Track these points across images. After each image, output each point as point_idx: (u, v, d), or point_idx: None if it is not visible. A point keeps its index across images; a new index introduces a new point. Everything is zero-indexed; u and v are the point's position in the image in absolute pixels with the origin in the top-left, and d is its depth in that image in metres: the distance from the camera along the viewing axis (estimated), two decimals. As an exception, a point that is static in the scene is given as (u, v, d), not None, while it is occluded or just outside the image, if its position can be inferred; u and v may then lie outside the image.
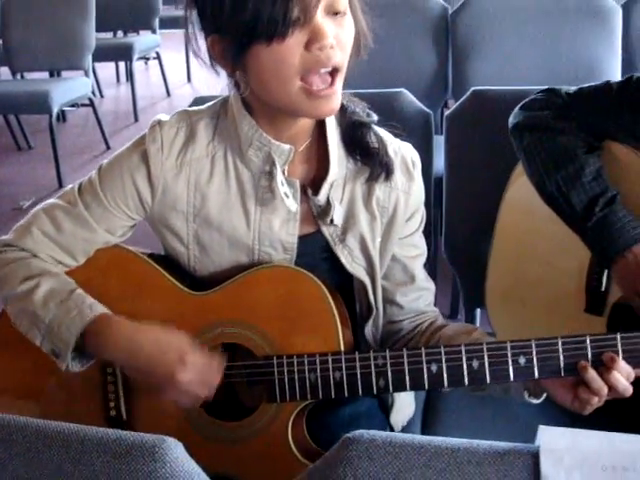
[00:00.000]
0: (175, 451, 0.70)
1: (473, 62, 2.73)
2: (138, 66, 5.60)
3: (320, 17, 0.93)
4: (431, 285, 1.24)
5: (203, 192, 1.09)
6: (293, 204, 1.09)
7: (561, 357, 1.00)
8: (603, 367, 0.98)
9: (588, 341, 1.00)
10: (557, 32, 2.71)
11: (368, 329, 1.18)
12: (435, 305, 1.26)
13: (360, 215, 1.13)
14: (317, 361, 1.04)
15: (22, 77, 4.29)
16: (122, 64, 5.82)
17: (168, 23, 5.38)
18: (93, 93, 4.21)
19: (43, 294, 1.06)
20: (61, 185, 3.84)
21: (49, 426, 0.73)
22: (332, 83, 0.96)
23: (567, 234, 1.31)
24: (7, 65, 4.12)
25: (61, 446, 0.71)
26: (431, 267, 1.62)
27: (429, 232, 1.62)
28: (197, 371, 1.02)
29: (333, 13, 0.95)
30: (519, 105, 1.39)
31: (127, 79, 5.69)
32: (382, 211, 1.14)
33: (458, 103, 1.68)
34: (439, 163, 1.72)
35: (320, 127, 1.10)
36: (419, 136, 1.65)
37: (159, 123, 1.10)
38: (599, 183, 1.27)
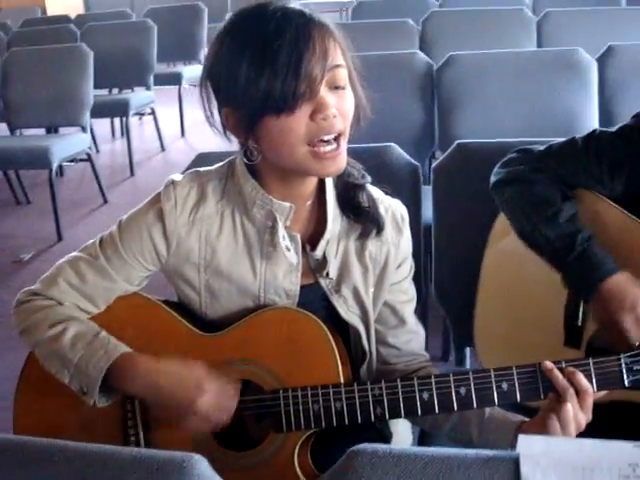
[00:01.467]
0: (201, 465, 0.79)
1: (458, 115, 2.87)
2: (133, 121, 5.76)
3: (323, 91, 1.06)
4: (421, 330, 1.35)
5: (213, 246, 1.20)
6: (294, 257, 1.20)
7: (540, 382, 1.10)
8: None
9: (564, 366, 1.11)
10: (536, 86, 2.86)
11: (363, 372, 1.28)
12: (427, 347, 1.36)
13: (353, 268, 1.24)
14: (319, 393, 1.14)
15: (20, 133, 4.43)
16: (117, 120, 5.97)
17: (162, 80, 5.56)
18: (90, 148, 4.34)
19: (71, 337, 1.17)
20: (60, 238, 3.94)
21: (87, 447, 0.82)
22: (337, 146, 1.09)
23: (547, 275, 1.42)
24: (6, 122, 4.24)
25: (100, 465, 0.80)
26: (422, 311, 1.73)
27: (419, 278, 1.73)
28: (215, 396, 1.12)
29: (334, 87, 1.08)
30: (498, 164, 1.52)
31: (122, 134, 5.83)
32: (374, 263, 1.25)
33: (444, 156, 1.81)
34: (428, 212, 1.84)
35: (320, 188, 1.22)
36: (408, 187, 1.77)
37: (173, 183, 1.21)
38: (575, 223, 1.39)
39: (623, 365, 1.12)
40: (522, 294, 1.52)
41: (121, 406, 1.21)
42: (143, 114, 5.89)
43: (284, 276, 1.21)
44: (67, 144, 4.01)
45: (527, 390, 1.11)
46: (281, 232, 1.18)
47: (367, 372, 1.28)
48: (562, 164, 1.45)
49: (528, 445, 0.76)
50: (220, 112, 1.13)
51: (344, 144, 1.11)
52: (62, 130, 4.69)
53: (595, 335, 1.40)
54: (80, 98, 3.98)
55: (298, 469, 1.14)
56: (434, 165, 1.81)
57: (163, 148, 5.67)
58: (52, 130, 4.63)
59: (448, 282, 1.79)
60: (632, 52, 3.00)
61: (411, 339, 1.31)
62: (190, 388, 1.12)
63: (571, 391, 1.08)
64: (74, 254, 1.24)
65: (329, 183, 1.22)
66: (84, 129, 4.12)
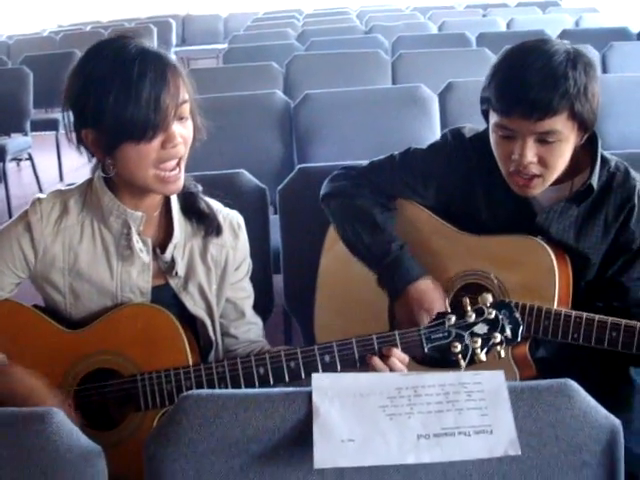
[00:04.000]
0: (60, 416, 0.98)
1: (314, 148, 3.15)
2: (11, 167, 5.77)
3: (174, 124, 1.28)
4: (259, 321, 1.59)
5: (75, 251, 1.40)
6: (146, 257, 1.41)
7: (355, 353, 1.35)
8: (384, 357, 1.34)
9: (374, 338, 1.36)
10: (385, 119, 3.17)
11: (211, 359, 1.49)
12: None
13: (198, 268, 1.46)
14: (172, 374, 1.35)
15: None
16: (-5, 166, 5.95)
17: (40, 125, 5.61)
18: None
19: None
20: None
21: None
22: (179, 169, 1.32)
23: (372, 276, 1.68)
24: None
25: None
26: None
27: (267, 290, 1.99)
28: None
29: (180, 119, 1.31)
30: (326, 179, 1.79)
31: (0, 180, 5.83)
32: (216, 264, 1.48)
33: (287, 179, 2.07)
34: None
35: (166, 199, 1.44)
36: (256, 208, 2.01)
37: (38, 200, 1.42)
38: (389, 233, 1.66)
39: (422, 336, 1.38)
40: (353, 293, 1.77)
41: None
42: (20, 159, 5.91)
43: (137, 275, 1.41)
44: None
45: (345, 361, 1.35)
46: (135, 237, 1.39)
47: (214, 359, 1.49)
48: (382, 177, 1.73)
49: (319, 380, 1.00)
50: (80, 132, 1.33)
51: (183, 166, 1.34)
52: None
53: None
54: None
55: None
56: (279, 188, 2.06)
57: (42, 192, 5.69)
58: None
59: (297, 291, 2.03)
60: (470, 87, 3.38)
61: (250, 329, 1.54)
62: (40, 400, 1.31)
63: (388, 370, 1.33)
64: None
65: (173, 195, 1.44)
66: (26, 134, 4.13)
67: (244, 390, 1.04)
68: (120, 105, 1.24)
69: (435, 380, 0.98)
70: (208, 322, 1.48)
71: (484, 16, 6.84)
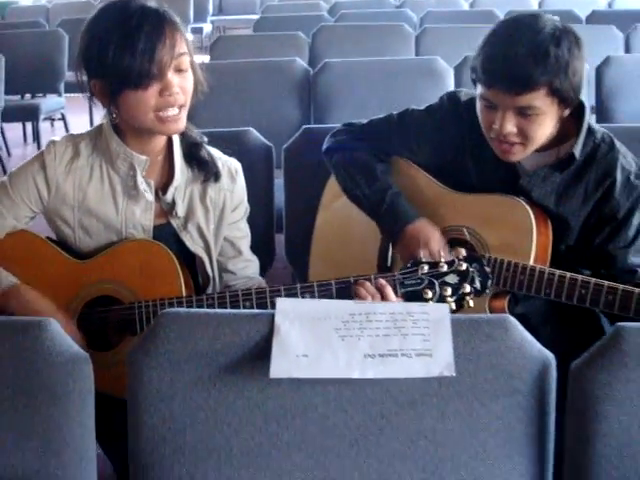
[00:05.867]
0: (55, 326, 1.11)
1: (331, 113, 3.24)
2: (45, 127, 5.95)
3: (170, 74, 1.41)
4: (255, 259, 1.71)
5: (84, 190, 1.54)
6: (150, 196, 1.54)
7: (334, 292, 1.45)
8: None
9: (351, 279, 1.46)
10: (400, 88, 3.24)
11: (208, 293, 1.62)
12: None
13: (197, 210, 1.59)
14: (166, 303, 1.47)
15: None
16: (29, 126, 6.15)
17: (73, 87, 5.77)
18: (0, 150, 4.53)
19: None
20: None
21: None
22: (179, 112, 1.45)
23: (367, 225, 1.78)
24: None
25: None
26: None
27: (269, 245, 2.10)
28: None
29: (179, 70, 1.43)
30: (329, 134, 1.89)
31: (34, 139, 6.02)
32: (214, 206, 1.60)
33: (292, 139, 2.17)
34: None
35: (169, 146, 1.56)
36: (262, 165, 2.13)
37: (53, 142, 1.56)
38: (386, 182, 1.76)
39: (396, 281, 1.48)
40: (346, 247, 1.88)
41: None
42: (54, 119, 6.08)
43: (141, 213, 1.55)
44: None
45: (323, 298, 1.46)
46: (139, 178, 1.52)
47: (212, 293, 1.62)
48: (380, 134, 1.83)
49: (283, 303, 1.12)
50: (89, 82, 1.47)
51: (184, 112, 1.47)
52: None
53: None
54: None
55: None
56: (284, 147, 2.17)
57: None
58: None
59: (298, 242, 2.14)
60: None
61: (247, 266, 1.67)
62: None
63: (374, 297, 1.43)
64: None
65: (176, 142, 1.57)
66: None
67: (216, 310, 1.16)
68: (119, 56, 1.37)
69: (386, 308, 1.09)
70: (206, 259, 1.61)
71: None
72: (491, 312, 1.64)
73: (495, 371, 1.05)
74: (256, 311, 1.12)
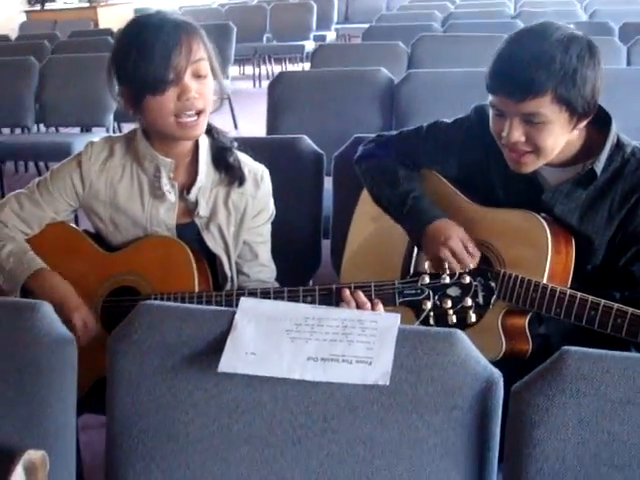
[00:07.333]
0: (48, 308, 1.23)
1: (413, 123, 3.23)
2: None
3: (187, 79, 1.51)
4: (272, 265, 1.77)
5: (115, 188, 1.67)
6: (173, 197, 1.65)
7: (333, 296, 1.50)
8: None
9: (352, 286, 1.50)
10: (484, 100, 3.23)
11: None
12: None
13: (220, 212, 1.68)
14: (179, 297, 1.57)
15: (57, 130, 4.97)
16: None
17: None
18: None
19: (7, 252, 1.65)
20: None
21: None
22: (198, 118, 1.54)
23: (397, 231, 1.81)
24: (42, 121, 4.79)
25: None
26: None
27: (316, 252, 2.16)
28: (81, 318, 1.59)
29: (197, 76, 1.53)
30: (361, 145, 1.94)
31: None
32: (236, 209, 1.69)
33: (343, 147, 2.22)
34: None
35: (196, 149, 1.66)
36: (312, 172, 2.20)
37: (91, 143, 1.69)
38: (409, 185, 1.79)
39: (396, 290, 1.51)
40: (376, 249, 1.92)
41: None
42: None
43: (165, 212, 1.66)
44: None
45: (323, 302, 1.50)
46: (164, 179, 1.63)
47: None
48: (408, 145, 1.86)
49: (246, 302, 1.18)
50: (119, 90, 1.59)
51: (203, 118, 1.57)
52: (95, 130, 5.20)
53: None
54: (104, 102, 4.48)
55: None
56: (334, 154, 2.23)
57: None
58: (84, 129, 5.17)
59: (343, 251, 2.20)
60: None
61: (261, 270, 1.74)
62: (64, 309, 1.56)
63: (353, 304, 1.48)
64: (20, 190, 1.72)
65: (203, 145, 1.66)
66: (107, 129, 4.63)
67: (186, 305, 1.24)
68: (138, 64, 1.48)
69: (339, 314, 1.13)
70: (225, 259, 1.70)
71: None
72: (505, 329, 1.62)
73: (436, 385, 1.06)
74: (221, 308, 1.19)
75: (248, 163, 1.72)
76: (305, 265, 2.19)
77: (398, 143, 1.86)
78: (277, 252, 1.83)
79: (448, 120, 1.83)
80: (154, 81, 1.48)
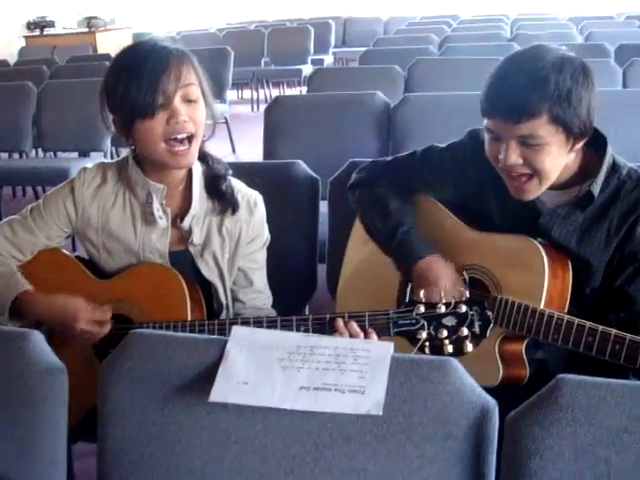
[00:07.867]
0: (38, 338, 1.22)
1: (409, 147, 3.24)
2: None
3: (177, 103, 1.51)
4: (267, 292, 1.76)
5: (107, 214, 1.66)
6: (164, 223, 1.64)
7: (327, 327, 1.49)
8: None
9: (346, 315, 1.49)
10: (479, 124, 3.23)
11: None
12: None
13: (214, 239, 1.67)
14: (171, 325, 1.56)
15: (54, 155, 4.98)
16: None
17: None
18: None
19: None
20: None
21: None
22: (189, 146, 1.53)
23: (388, 260, 1.80)
24: (39, 146, 4.80)
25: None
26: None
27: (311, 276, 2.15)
28: (87, 318, 1.56)
29: (188, 100, 1.53)
30: (355, 171, 1.93)
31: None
32: (230, 236, 1.68)
33: (338, 172, 2.22)
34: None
35: (189, 176, 1.66)
36: (307, 197, 2.19)
37: (84, 169, 1.69)
38: (399, 218, 1.77)
39: (390, 320, 1.49)
40: (371, 278, 1.90)
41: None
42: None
43: (157, 239, 1.65)
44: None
45: (317, 332, 1.48)
46: (156, 206, 1.62)
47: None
48: (402, 171, 1.85)
49: (238, 331, 1.17)
50: (113, 118, 1.59)
51: (195, 144, 1.56)
52: (93, 155, 5.22)
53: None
54: (101, 127, 4.47)
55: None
56: (330, 179, 2.22)
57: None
58: (81, 154, 5.17)
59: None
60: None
61: (256, 297, 1.73)
62: (68, 315, 1.57)
63: (346, 334, 1.47)
64: (12, 217, 1.72)
65: (196, 173, 1.66)
66: (105, 154, 4.64)
67: (176, 333, 1.23)
68: (128, 89, 1.48)
69: (331, 343, 1.12)
70: (220, 287, 1.68)
71: (641, 27, 6.57)
72: (502, 355, 1.61)
73: (430, 414, 1.05)
74: (212, 337, 1.18)
75: (242, 189, 1.72)
76: (301, 289, 2.18)
77: (392, 170, 1.86)
78: (273, 276, 1.82)
79: (442, 145, 1.83)
80: (143, 105, 1.48)
